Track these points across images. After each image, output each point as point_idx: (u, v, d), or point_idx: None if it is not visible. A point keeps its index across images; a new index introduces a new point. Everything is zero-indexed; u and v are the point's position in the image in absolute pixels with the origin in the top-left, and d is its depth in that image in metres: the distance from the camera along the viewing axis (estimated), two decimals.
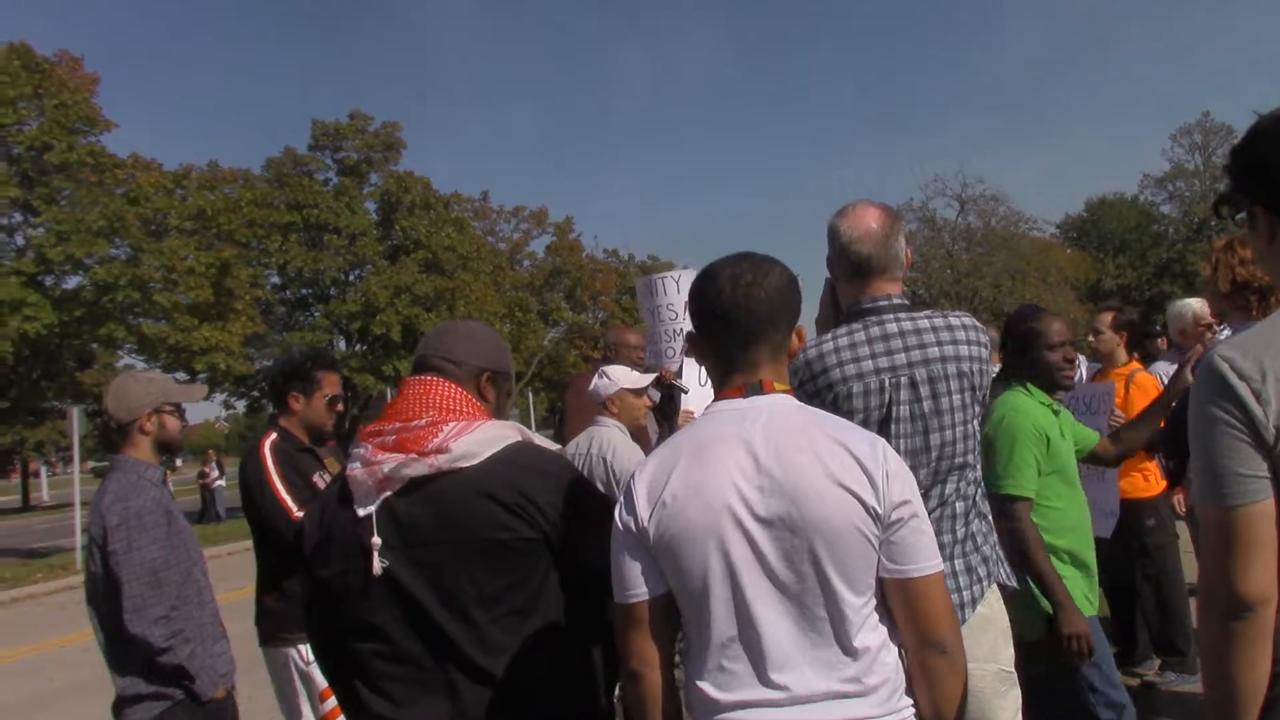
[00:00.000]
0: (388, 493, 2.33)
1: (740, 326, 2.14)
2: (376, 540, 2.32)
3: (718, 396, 2.17)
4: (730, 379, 2.16)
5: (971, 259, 44.44)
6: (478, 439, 2.35)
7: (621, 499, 2.12)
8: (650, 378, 5.23)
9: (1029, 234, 47.04)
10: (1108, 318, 6.41)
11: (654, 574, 2.04)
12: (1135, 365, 6.26)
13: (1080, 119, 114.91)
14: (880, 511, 1.96)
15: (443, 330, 2.64)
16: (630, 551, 2.07)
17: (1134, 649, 6.32)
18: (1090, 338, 6.57)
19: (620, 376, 5.05)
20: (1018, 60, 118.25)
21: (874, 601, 2.01)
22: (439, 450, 2.31)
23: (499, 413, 2.59)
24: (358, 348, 35.62)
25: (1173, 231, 61.14)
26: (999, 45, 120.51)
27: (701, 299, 2.20)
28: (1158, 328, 9.45)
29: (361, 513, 2.34)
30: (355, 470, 2.38)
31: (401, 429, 2.38)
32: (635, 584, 2.05)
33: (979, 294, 43.55)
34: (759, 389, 2.12)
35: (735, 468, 2.00)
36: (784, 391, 2.15)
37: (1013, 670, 3.04)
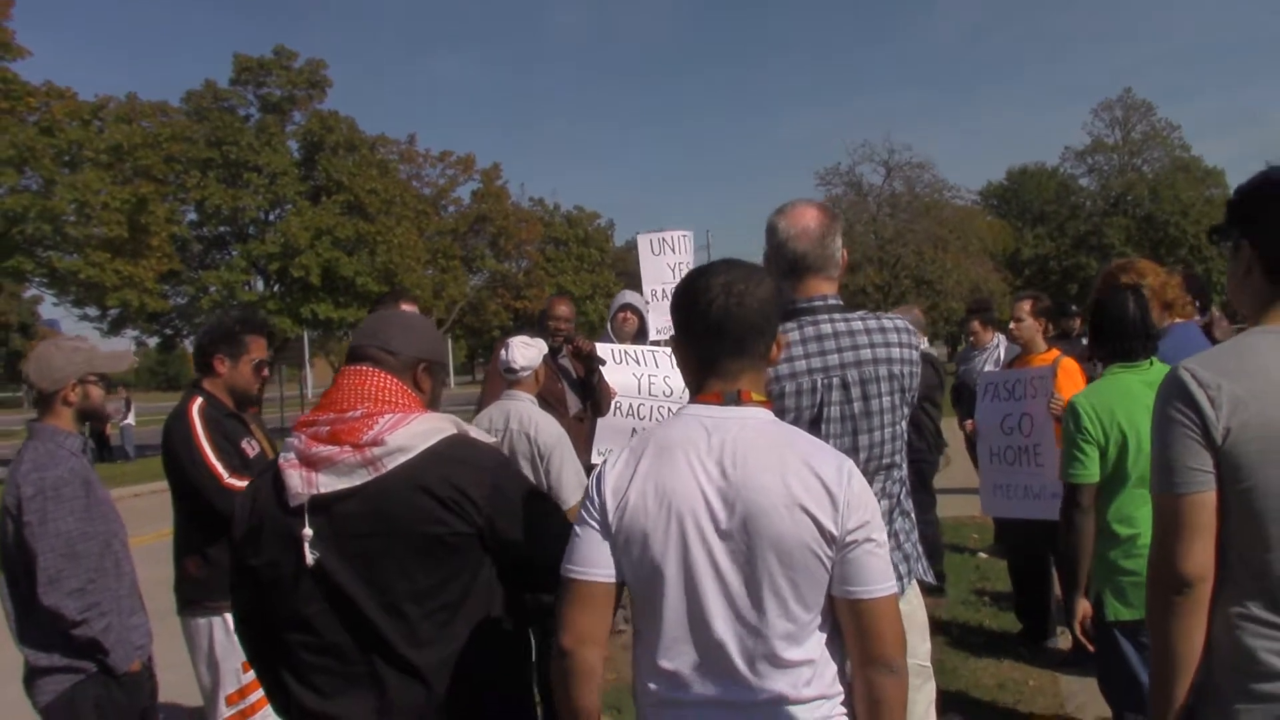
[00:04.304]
0: (320, 488, 2.31)
1: (731, 334, 2.16)
2: (308, 531, 2.31)
3: (694, 400, 2.20)
4: (709, 384, 2.19)
5: (895, 225, 44.97)
6: (413, 432, 2.34)
7: (591, 483, 2.17)
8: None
9: (952, 201, 47.69)
10: (1027, 305, 6.52)
11: (608, 560, 2.09)
12: (1055, 352, 6.39)
13: (1006, 89, 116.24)
14: (836, 534, 2.02)
15: (379, 320, 2.62)
16: (591, 534, 2.10)
17: (1045, 626, 6.53)
18: (1011, 325, 6.69)
19: (538, 343, 5.01)
20: (949, 29, 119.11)
21: (819, 618, 2.08)
22: (374, 443, 2.30)
23: (434, 404, 2.58)
24: (275, 289, 34.96)
25: (1090, 204, 62.29)
26: (931, 14, 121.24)
27: (692, 304, 2.20)
28: (1073, 306, 9.63)
29: (294, 503, 2.33)
30: (289, 460, 2.37)
31: (336, 420, 2.36)
32: (592, 564, 2.09)
33: (901, 260, 44.14)
34: (736, 399, 2.15)
35: (703, 476, 2.05)
36: (760, 403, 2.18)
37: (928, 664, 3.14)
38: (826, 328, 2.92)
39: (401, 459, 2.31)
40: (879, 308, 31.59)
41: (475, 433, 2.53)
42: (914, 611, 3.08)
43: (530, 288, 43.88)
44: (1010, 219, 62.42)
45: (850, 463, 2.11)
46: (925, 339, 7.84)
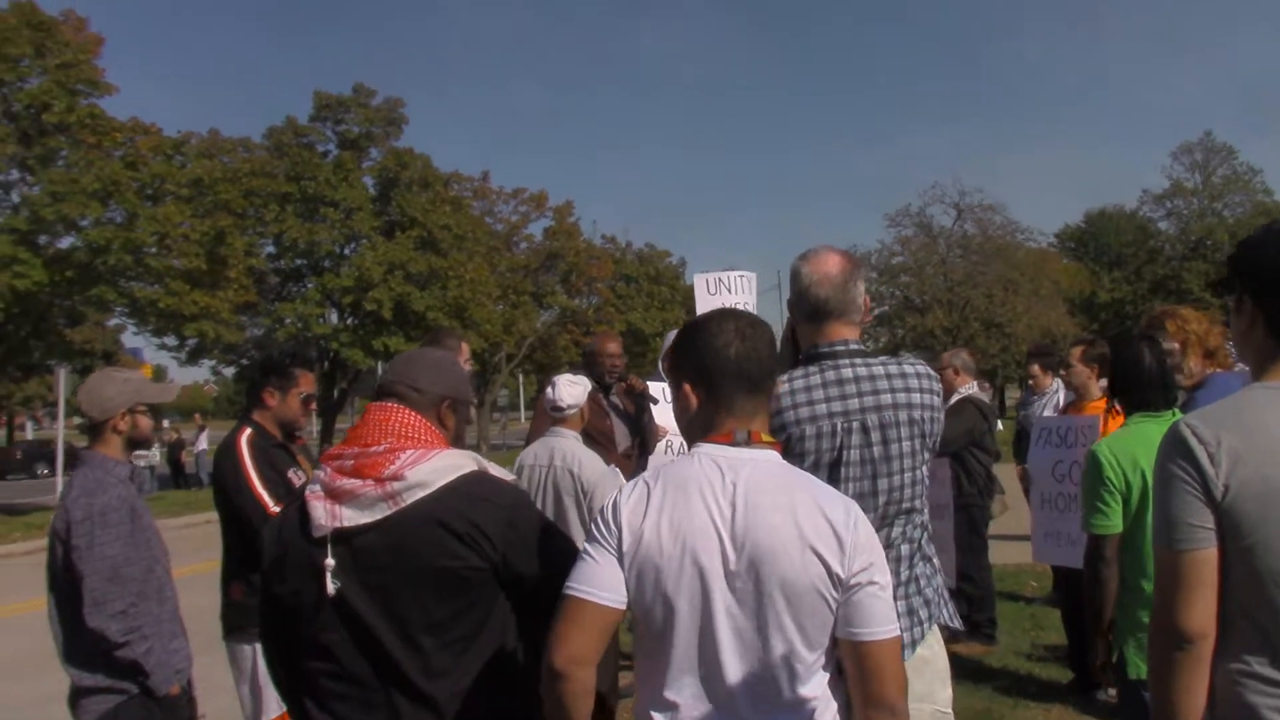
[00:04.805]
0: (343, 521, 2.39)
1: (750, 376, 2.25)
2: (330, 562, 2.38)
3: (707, 439, 2.24)
4: (722, 424, 2.24)
5: (966, 267, 44.59)
6: (433, 467, 2.41)
7: (606, 510, 2.19)
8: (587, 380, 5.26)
9: (1025, 244, 47.20)
10: (1078, 350, 6.47)
11: (620, 587, 2.11)
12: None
13: (1086, 130, 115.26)
14: (843, 576, 2.06)
15: (406, 358, 2.71)
16: (605, 558, 2.13)
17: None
18: (1061, 371, 6.65)
19: (583, 381, 5.08)
20: (1027, 69, 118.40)
21: (823, 658, 2.12)
22: (394, 477, 2.38)
23: (458, 440, 2.65)
24: (349, 322, 35.59)
25: (1169, 248, 61.22)
26: (1009, 53, 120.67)
27: (707, 347, 2.27)
28: None
29: (317, 534, 2.41)
30: (314, 493, 2.45)
31: (360, 454, 2.44)
32: (600, 586, 2.10)
33: (971, 303, 43.71)
34: (747, 439, 2.21)
35: (717, 515, 2.09)
36: (769, 444, 2.24)
37: (949, 711, 3.12)
38: (847, 372, 2.95)
39: (420, 494, 2.38)
40: (945, 350, 31.40)
41: (494, 469, 2.60)
42: (935, 657, 3.08)
43: (600, 324, 44.12)
44: (1087, 262, 61.57)
45: (856, 506, 2.17)
46: (974, 382, 7.79)
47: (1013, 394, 50.42)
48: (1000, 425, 8.35)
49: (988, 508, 7.78)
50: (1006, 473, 8.35)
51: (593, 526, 2.19)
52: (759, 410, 2.27)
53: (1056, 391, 8.28)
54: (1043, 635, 7.88)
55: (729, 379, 2.24)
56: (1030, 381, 8.79)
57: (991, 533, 8.04)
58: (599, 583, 2.10)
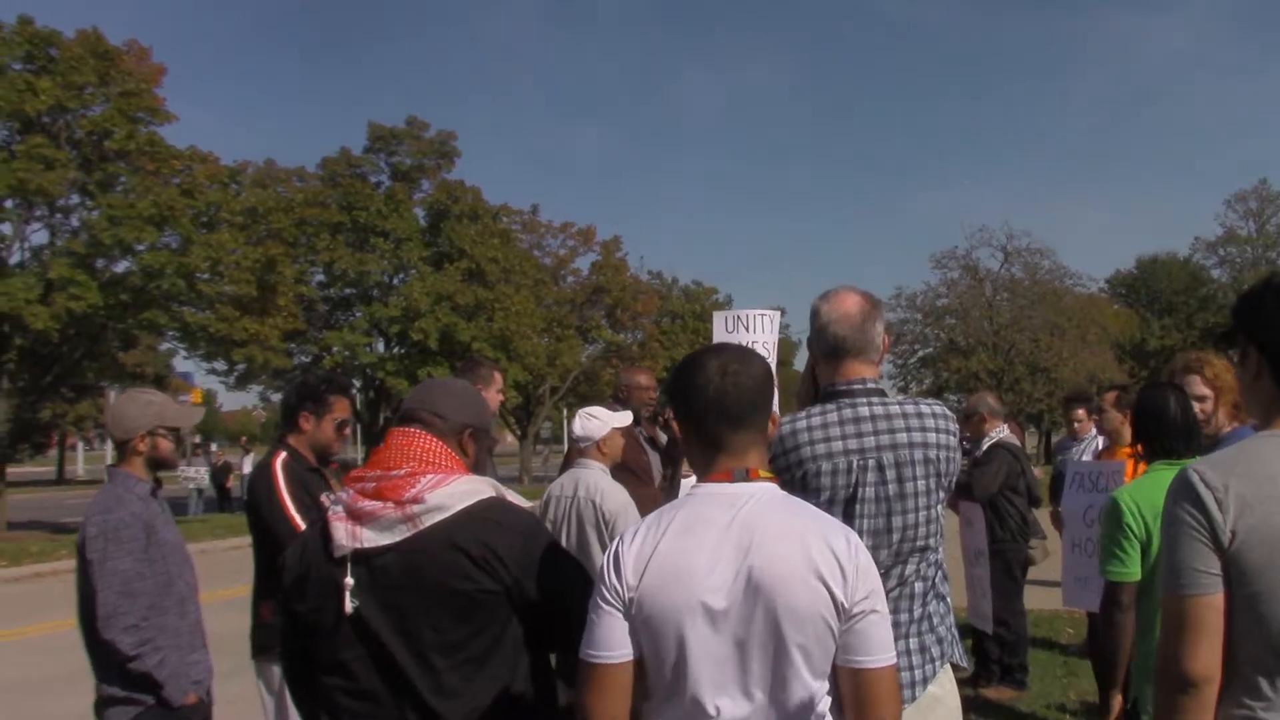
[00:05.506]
0: (363, 542, 2.46)
1: (730, 412, 2.25)
2: (349, 581, 2.46)
3: (705, 479, 2.27)
4: (717, 463, 2.26)
5: (1012, 311, 44.27)
6: (451, 492, 2.49)
7: (607, 562, 2.20)
8: (628, 414, 5.32)
9: (1073, 289, 46.79)
10: (1111, 396, 6.47)
11: (628, 640, 2.13)
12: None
13: (1139, 176, 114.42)
14: (846, 605, 2.08)
15: (429, 386, 2.79)
16: (608, 614, 2.14)
17: None
18: (1093, 416, 6.63)
19: (608, 416, 5.14)
20: (1079, 113, 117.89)
21: (827, 684, 2.13)
22: (414, 500, 2.45)
23: (478, 467, 2.73)
24: (395, 351, 35.91)
25: (1221, 296, 60.47)
26: (1061, 97, 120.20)
27: (690, 385, 2.29)
28: None
29: (338, 554, 2.48)
30: (336, 514, 2.53)
31: (381, 477, 2.51)
32: (612, 647, 2.12)
33: (1016, 347, 43.35)
34: (745, 475, 2.23)
35: (720, 554, 2.10)
36: (768, 479, 2.26)
37: None
38: (864, 410, 3.00)
39: (438, 517, 2.45)
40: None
41: (512, 496, 2.67)
42: (947, 695, 3.09)
43: (645, 360, 44.06)
44: (1139, 308, 60.97)
45: (853, 533, 2.19)
46: (1004, 425, 7.77)
47: (1057, 436, 49.91)
48: (1037, 475, 8.31)
49: (1023, 550, 7.73)
50: (1049, 518, 8.29)
51: (598, 581, 2.19)
52: (751, 446, 2.28)
53: (1095, 437, 8.23)
54: (1075, 684, 7.80)
55: (710, 416, 2.26)
56: (1076, 424, 8.73)
57: (1030, 578, 7.98)
58: (612, 643, 2.12)
